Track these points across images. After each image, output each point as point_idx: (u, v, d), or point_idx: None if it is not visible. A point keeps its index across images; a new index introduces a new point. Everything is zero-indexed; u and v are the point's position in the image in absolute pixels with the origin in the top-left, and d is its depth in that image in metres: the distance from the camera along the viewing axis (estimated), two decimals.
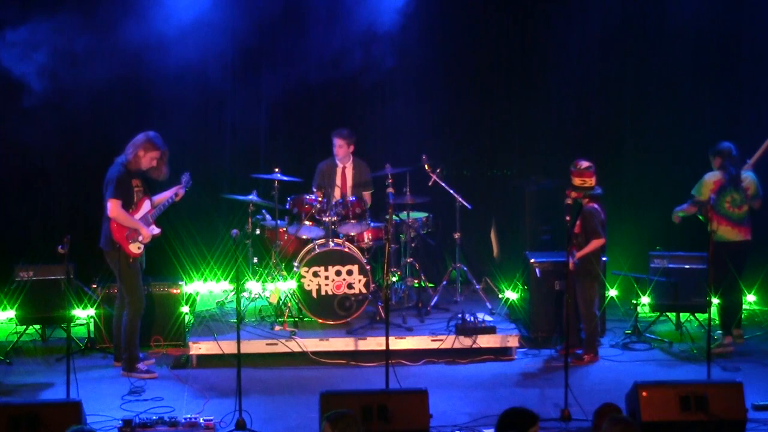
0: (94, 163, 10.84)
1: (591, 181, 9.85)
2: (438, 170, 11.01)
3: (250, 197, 10.98)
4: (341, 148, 11.16)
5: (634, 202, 12.05)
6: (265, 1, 11.70)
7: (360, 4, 11.49)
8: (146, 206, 9.67)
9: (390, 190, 10.67)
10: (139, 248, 9.57)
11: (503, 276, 11.63)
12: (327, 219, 10.62)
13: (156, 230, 9.70)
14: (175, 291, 10.36)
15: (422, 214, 11.20)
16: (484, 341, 10.11)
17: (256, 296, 11.16)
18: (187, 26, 11.32)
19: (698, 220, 10.15)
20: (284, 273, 10.63)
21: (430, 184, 11.04)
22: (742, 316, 10.56)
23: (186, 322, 10.42)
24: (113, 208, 9.45)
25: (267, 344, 10.03)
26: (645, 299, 10.89)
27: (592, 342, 10.06)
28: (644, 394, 7.98)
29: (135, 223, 9.52)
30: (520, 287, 11.16)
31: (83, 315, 10.51)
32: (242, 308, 10.57)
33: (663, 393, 8.02)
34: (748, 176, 10.17)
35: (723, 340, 10.26)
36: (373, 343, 10.00)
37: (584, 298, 9.92)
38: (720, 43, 12.00)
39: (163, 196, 9.82)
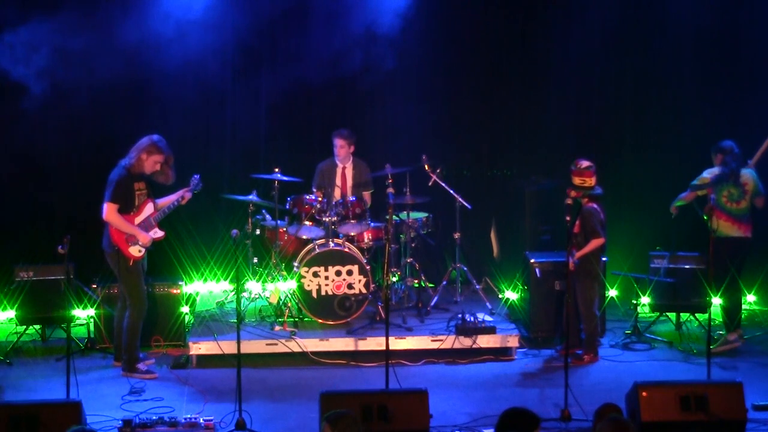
0: (94, 163, 10.84)
1: (591, 181, 9.85)
2: (438, 170, 11.01)
3: (250, 197, 10.97)
4: (342, 148, 11.16)
5: (634, 202, 12.03)
6: (265, 1, 11.70)
7: (360, 5, 11.48)
8: (148, 209, 9.64)
9: (390, 190, 10.67)
10: (140, 251, 9.54)
11: (503, 276, 11.63)
12: (327, 219, 10.62)
13: (159, 233, 9.67)
14: (175, 291, 10.36)
15: (422, 214, 11.20)
16: (484, 341, 10.11)
17: (256, 296, 11.15)
18: (187, 26, 11.32)
19: (698, 220, 10.14)
20: (284, 273, 10.62)
21: (430, 184, 11.04)
22: (742, 316, 10.56)
23: (186, 322, 10.42)
24: (109, 211, 9.43)
25: (267, 344, 10.03)
26: (645, 299, 10.89)
27: (592, 342, 10.05)
28: (644, 394, 7.98)
29: (130, 228, 9.47)
30: (520, 287, 11.15)
31: (83, 315, 10.50)
32: (242, 308, 10.55)
33: (663, 393, 8.01)
34: (747, 173, 10.18)
35: (727, 337, 10.25)
36: (373, 343, 10.00)
37: (584, 298, 9.92)
38: (720, 43, 12.00)
39: (168, 200, 9.77)
